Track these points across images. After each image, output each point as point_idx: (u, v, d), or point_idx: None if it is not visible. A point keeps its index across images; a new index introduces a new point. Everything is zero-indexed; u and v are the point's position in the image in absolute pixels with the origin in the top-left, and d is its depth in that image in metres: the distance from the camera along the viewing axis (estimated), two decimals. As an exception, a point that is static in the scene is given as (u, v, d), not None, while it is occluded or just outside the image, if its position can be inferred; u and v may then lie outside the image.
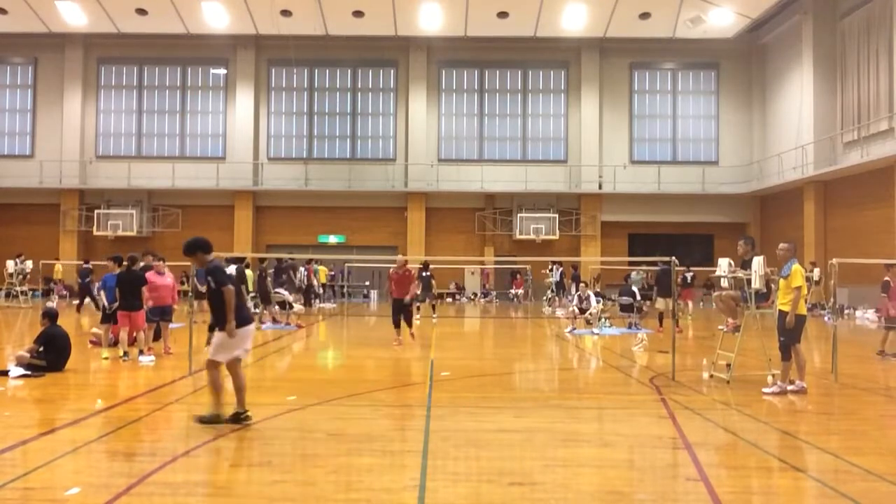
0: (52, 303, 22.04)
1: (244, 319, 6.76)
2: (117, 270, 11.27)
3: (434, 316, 20.57)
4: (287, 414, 7.00)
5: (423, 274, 20.89)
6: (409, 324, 13.37)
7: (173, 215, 31.08)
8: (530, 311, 24.68)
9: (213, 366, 6.55)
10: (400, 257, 13.79)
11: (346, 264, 30.35)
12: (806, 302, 9.27)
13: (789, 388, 8.36)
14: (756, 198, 30.99)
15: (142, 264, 11.53)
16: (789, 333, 8.32)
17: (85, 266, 22.13)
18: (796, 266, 8.42)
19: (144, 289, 10.94)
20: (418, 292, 20.26)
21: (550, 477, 5.01)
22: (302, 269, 22.17)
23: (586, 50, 31.43)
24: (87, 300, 21.09)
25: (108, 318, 11.24)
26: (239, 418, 6.46)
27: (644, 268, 21.92)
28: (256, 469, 5.25)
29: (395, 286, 13.29)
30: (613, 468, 5.28)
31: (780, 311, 8.48)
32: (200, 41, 31.09)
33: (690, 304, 21.72)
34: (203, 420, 6.39)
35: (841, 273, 10.70)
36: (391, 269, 13.68)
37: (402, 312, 13.16)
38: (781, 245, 8.74)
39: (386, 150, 32.20)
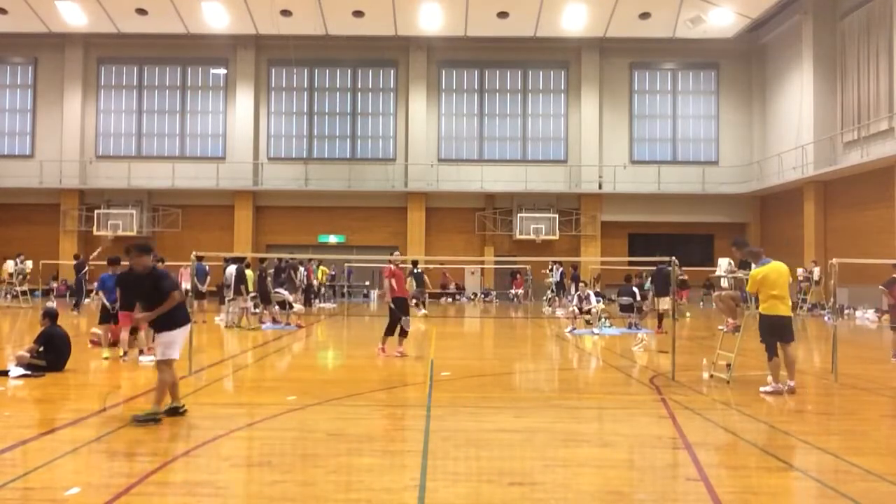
0: (52, 303, 22.04)
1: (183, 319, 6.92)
2: (118, 270, 11.27)
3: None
4: (287, 414, 6.99)
5: (416, 271, 21.31)
6: (404, 332, 11.61)
7: (173, 215, 31.09)
8: (530, 311, 24.67)
9: (169, 365, 6.68)
10: (397, 254, 12.43)
11: (347, 264, 30.35)
12: (806, 303, 9.28)
13: (778, 386, 8.38)
14: (756, 198, 30.99)
15: None
16: (763, 334, 8.45)
17: (77, 261, 21.89)
18: (755, 270, 8.48)
19: None
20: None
21: (550, 477, 5.01)
22: (302, 269, 22.18)
23: (586, 50, 31.44)
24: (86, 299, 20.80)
25: (107, 318, 11.22)
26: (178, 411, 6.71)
27: (644, 268, 21.89)
28: (256, 469, 5.25)
29: (397, 283, 11.62)
30: (613, 468, 5.28)
31: (759, 314, 8.52)
32: (200, 41, 31.10)
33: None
34: (140, 419, 6.41)
35: (841, 273, 10.69)
36: (393, 266, 11.70)
37: (406, 314, 11.62)
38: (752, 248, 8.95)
39: (386, 150, 32.20)
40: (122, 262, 11.09)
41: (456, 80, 32.38)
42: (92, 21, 29.61)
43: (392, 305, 11.52)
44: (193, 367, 9.59)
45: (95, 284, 12.81)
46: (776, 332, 8.40)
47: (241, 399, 8.20)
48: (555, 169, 31.71)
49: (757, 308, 8.94)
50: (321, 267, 26.99)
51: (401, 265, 12.22)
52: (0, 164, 31.34)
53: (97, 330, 11.97)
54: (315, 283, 24.40)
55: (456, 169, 31.39)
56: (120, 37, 30.97)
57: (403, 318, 11.40)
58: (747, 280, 8.89)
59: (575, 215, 31.21)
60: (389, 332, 11.56)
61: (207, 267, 18.23)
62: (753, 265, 8.70)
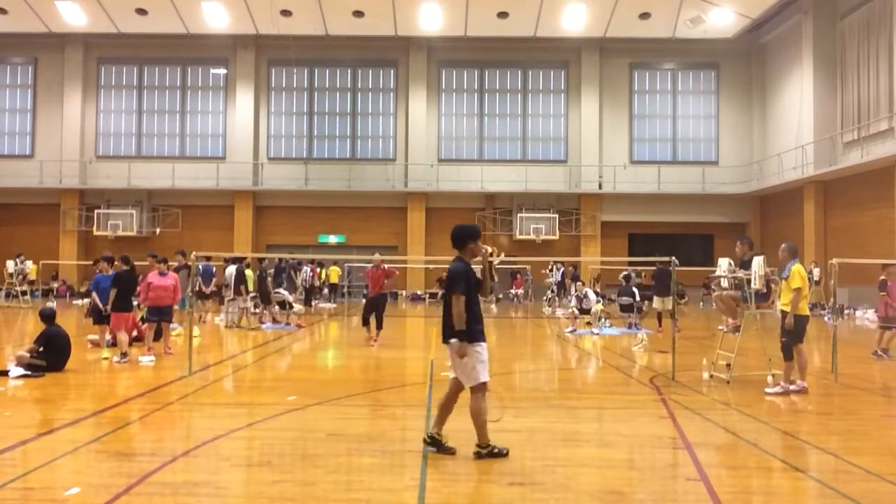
0: (52, 303, 22.04)
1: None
2: (110, 271, 11.23)
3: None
4: (287, 414, 6.99)
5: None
6: (380, 323, 13.45)
7: (173, 215, 31.07)
8: (530, 311, 24.66)
9: (481, 388, 5.45)
10: (376, 255, 14.04)
11: (346, 264, 30.34)
12: (808, 302, 9.26)
13: (790, 388, 8.37)
14: (756, 198, 30.98)
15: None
16: (791, 334, 8.32)
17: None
18: (796, 266, 8.42)
19: (139, 289, 11.08)
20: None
21: (550, 477, 5.01)
22: (306, 268, 22.14)
23: (586, 50, 31.43)
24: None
25: (100, 319, 11.19)
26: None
27: (638, 268, 21.98)
28: (256, 469, 5.25)
29: (371, 283, 13.66)
30: (613, 468, 5.28)
31: (781, 311, 8.49)
32: (200, 41, 31.08)
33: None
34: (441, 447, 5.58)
35: (841, 273, 10.68)
36: (368, 269, 14.08)
37: (374, 310, 13.46)
38: (782, 246, 8.78)
39: (386, 150, 32.20)
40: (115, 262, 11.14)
41: (456, 80, 32.37)
42: (92, 21, 29.59)
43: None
44: (194, 367, 9.60)
45: (90, 285, 12.77)
46: (802, 333, 8.41)
47: (241, 399, 8.20)
48: (555, 169, 31.70)
49: (757, 308, 8.94)
50: (333, 267, 26.97)
51: (376, 267, 13.66)
52: (0, 164, 31.34)
53: (94, 336, 11.95)
54: (317, 283, 24.39)
55: (456, 169, 31.39)
56: (120, 37, 30.95)
57: (365, 314, 13.68)
58: (748, 280, 8.84)
59: (575, 215, 31.20)
60: (364, 322, 13.76)
61: (214, 268, 18.13)
62: (790, 263, 8.51)
